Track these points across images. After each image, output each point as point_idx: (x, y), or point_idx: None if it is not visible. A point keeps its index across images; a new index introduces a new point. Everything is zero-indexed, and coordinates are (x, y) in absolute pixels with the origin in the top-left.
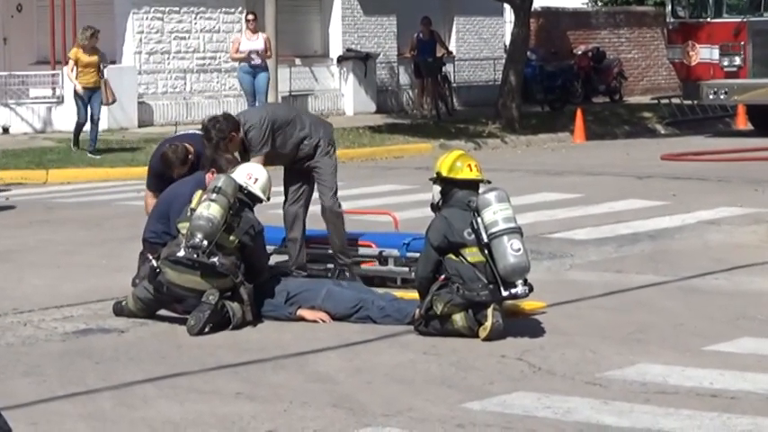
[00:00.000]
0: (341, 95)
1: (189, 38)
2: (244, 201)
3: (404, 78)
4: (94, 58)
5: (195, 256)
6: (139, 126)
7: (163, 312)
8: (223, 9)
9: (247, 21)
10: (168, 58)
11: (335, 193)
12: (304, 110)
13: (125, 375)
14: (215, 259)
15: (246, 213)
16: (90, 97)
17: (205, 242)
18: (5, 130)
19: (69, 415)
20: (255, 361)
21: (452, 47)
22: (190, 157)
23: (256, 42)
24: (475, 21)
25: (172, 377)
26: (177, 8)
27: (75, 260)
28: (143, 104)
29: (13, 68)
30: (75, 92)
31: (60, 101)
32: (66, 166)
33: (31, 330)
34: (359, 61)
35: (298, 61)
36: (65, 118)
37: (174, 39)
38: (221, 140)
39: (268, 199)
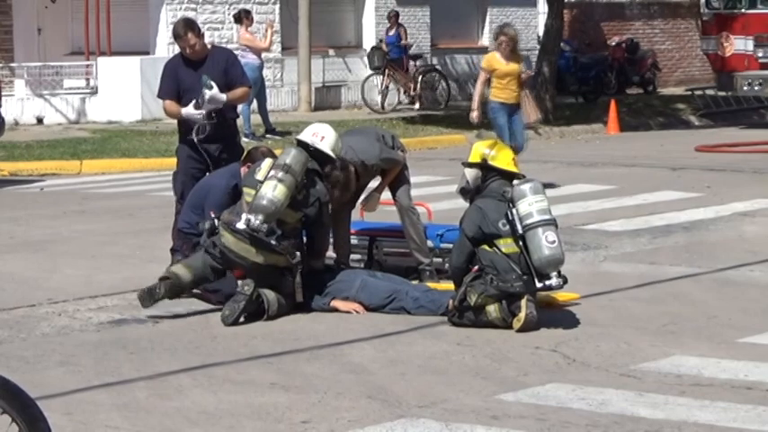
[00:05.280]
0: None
1: (222, 29)
2: (312, 170)
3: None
4: (515, 67)
5: (251, 232)
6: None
7: (197, 303)
8: (256, 0)
9: (251, 18)
10: None
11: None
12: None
13: (159, 365)
14: (273, 240)
15: (314, 188)
16: (510, 116)
17: (265, 225)
18: (40, 121)
19: (104, 405)
20: (290, 351)
21: (486, 37)
22: (202, 32)
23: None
24: (508, 12)
25: (206, 367)
26: None
27: (110, 250)
28: None
29: (47, 59)
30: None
31: (94, 91)
32: (100, 157)
33: (65, 320)
34: None
35: (331, 52)
36: (99, 109)
37: (208, 29)
38: None
39: (338, 158)
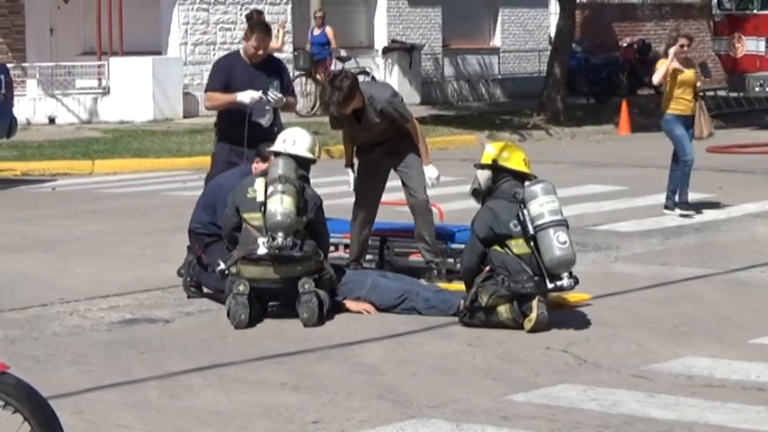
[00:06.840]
0: None
1: (234, 29)
2: (301, 176)
3: (448, 70)
4: (691, 74)
5: (278, 251)
6: (184, 117)
7: (208, 303)
8: (269, 0)
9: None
10: (213, 50)
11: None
12: None
13: (170, 365)
14: (296, 252)
15: (308, 191)
16: (686, 129)
17: (289, 239)
18: (52, 121)
19: (115, 404)
20: (300, 351)
21: (497, 38)
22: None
23: None
24: (520, 12)
25: (217, 367)
26: None
27: (121, 250)
28: (188, 95)
29: (59, 59)
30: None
31: (106, 91)
32: (111, 157)
33: (77, 320)
34: (404, 52)
35: (343, 52)
36: (111, 108)
37: (220, 30)
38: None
39: (318, 157)
